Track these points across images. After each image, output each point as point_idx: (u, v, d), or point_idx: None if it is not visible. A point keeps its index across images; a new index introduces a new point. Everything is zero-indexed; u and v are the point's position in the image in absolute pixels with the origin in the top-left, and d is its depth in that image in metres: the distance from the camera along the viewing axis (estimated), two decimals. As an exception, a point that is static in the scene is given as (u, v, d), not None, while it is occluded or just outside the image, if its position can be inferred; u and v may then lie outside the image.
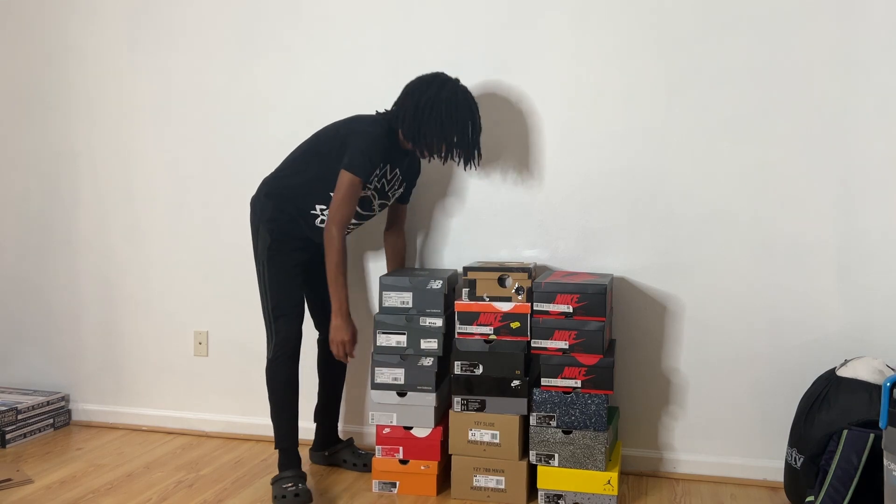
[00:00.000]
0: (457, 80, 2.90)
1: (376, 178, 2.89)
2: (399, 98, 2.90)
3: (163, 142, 3.56)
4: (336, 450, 3.23)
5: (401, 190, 3.05)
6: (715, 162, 3.03)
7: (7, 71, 3.74)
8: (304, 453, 3.23)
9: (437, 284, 2.94)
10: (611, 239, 3.14)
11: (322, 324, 3.11)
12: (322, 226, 2.90)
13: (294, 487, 2.82)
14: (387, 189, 2.96)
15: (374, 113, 2.98)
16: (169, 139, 3.56)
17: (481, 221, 3.26)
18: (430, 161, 3.03)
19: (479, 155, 2.93)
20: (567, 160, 3.16)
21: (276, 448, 2.93)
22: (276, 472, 3.00)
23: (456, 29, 3.23)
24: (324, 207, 2.88)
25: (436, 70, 3.25)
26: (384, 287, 2.97)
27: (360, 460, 3.19)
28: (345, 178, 2.77)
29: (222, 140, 3.49)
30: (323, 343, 3.13)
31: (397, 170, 2.96)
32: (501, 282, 2.89)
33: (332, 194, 2.82)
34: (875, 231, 2.93)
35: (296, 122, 3.39)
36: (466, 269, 2.92)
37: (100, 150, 3.66)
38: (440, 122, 2.81)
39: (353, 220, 2.93)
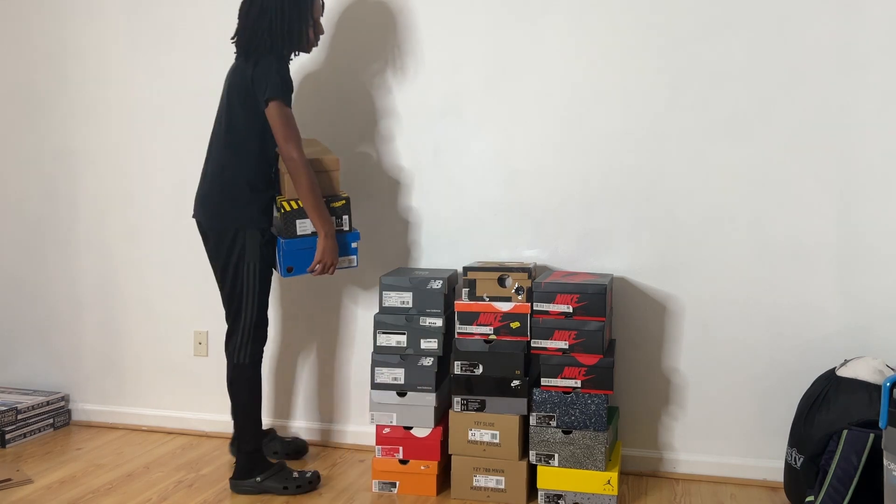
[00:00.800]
0: None
1: None
2: (251, 24, 2.81)
3: (162, 142, 3.56)
4: (267, 441, 3.24)
5: None
6: (715, 162, 3.03)
7: (7, 71, 3.74)
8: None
9: (437, 284, 2.94)
10: (611, 239, 3.14)
11: None
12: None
13: (300, 474, 2.90)
14: None
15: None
16: (168, 139, 3.56)
17: (481, 221, 3.26)
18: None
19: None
20: (567, 160, 3.16)
21: (246, 450, 2.92)
22: (255, 471, 2.91)
23: (456, 28, 3.23)
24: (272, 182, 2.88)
25: (436, 70, 3.26)
26: (384, 287, 2.97)
27: (291, 448, 3.25)
28: (274, 108, 2.73)
29: (222, 140, 3.49)
30: None
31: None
32: (501, 282, 2.89)
33: (269, 162, 2.85)
34: (875, 231, 2.92)
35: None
36: (466, 269, 2.92)
37: (100, 151, 3.65)
38: (296, 18, 2.81)
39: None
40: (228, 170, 2.87)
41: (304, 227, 2.86)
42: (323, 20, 3.05)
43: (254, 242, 2.85)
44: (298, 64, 3.34)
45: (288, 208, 2.84)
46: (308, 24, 2.88)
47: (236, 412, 2.97)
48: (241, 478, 2.92)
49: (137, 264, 3.64)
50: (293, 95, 2.86)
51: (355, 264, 2.96)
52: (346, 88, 3.35)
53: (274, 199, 2.91)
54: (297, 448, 3.25)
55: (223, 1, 3.44)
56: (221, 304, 2.97)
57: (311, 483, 2.92)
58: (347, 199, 2.93)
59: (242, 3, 2.88)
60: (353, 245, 2.94)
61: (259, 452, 2.95)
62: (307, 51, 2.96)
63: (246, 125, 2.83)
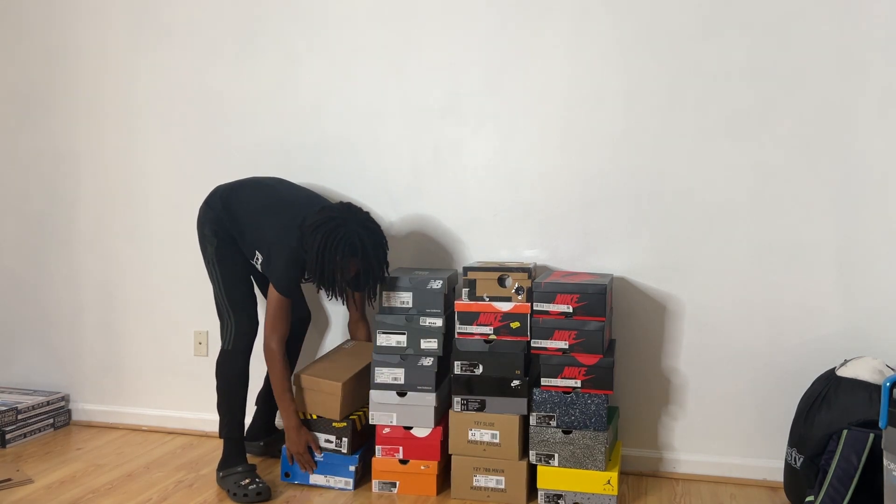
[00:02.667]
0: (355, 219, 2.84)
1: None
2: (311, 225, 2.84)
3: (163, 142, 3.56)
4: (273, 440, 3.28)
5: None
6: (715, 162, 3.03)
7: (7, 71, 3.74)
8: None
9: (437, 284, 2.94)
10: (611, 239, 3.14)
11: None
12: (257, 265, 2.97)
13: (254, 485, 2.87)
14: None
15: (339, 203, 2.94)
16: (169, 139, 3.55)
17: (481, 221, 3.26)
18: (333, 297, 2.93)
19: (377, 290, 2.95)
20: (567, 160, 3.16)
21: (221, 436, 3.00)
22: (223, 465, 2.98)
23: (456, 29, 3.23)
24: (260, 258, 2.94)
25: (436, 69, 3.26)
26: (384, 287, 2.97)
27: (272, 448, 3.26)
28: (273, 296, 2.89)
29: (222, 140, 3.49)
30: None
31: None
32: (501, 282, 2.89)
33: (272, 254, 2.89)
34: (875, 231, 2.93)
35: (296, 122, 3.39)
36: (466, 269, 2.92)
37: (100, 150, 3.65)
38: (325, 271, 2.81)
39: None
40: (241, 212, 3.02)
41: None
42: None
43: (210, 236, 3.00)
44: (297, 64, 3.34)
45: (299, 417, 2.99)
46: (332, 281, 2.83)
47: (217, 397, 3.03)
48: (219, 468, 2.99)
49: (137, 264, 3.64)
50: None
51: (351, 487, 2.98)
52: (347, 88, 3.35)
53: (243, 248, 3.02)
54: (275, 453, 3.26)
55: (223, 1, 3.45)
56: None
57: (259, 495, 2.84)
58: (349, 423, 2.95)
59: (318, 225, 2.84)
60: (351, 468, 2.97)
61: (231, 443, 2.98)
62: (330, 295, 2.90)
63: (281, 231, 2.94)
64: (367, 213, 2.90)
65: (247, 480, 2.89)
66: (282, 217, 2.92)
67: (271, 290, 2.89)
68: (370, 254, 2.83)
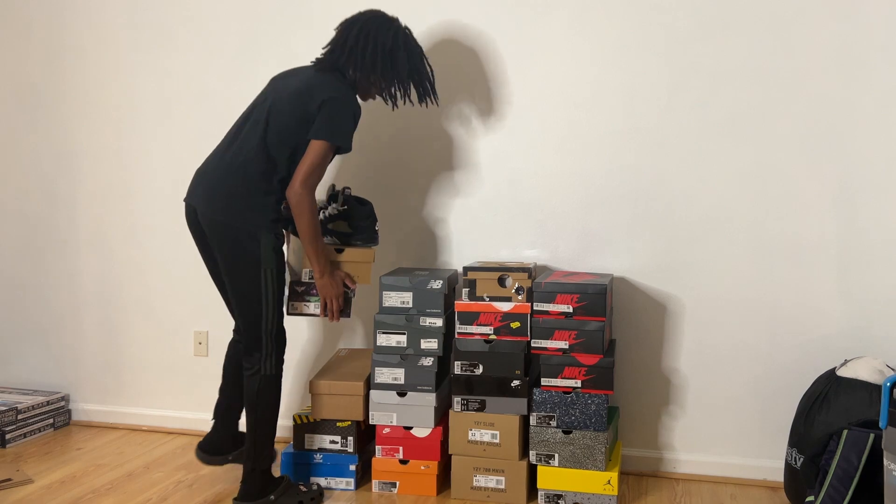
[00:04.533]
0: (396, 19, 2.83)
1: None
2: (353, 42, 2.74)
3: (163, 142, 3.56)
4: (240, 453, 2.98)
5: None
6: (715, 162, 3.03)
7: (7, 71, 3.74)
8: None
9: (437, 284, 2.94)
10: (611, 239, 3.14)
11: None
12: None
13: (306, 488, 2.80)
14: None
15: (313, 63, 2.83)
16: (169, 139, 3.56)
17: (481, 221, 3.26)
18: (392, 104, 2.88)
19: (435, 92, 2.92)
20: (567, 160, 3.16)
21: (255, 468, 2.72)
22: (255, 496, 2.72)
23: (456, 29, 3.23)
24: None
25: (436, 69, 3.25)
26: (384, 287, 2.97)
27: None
28: (322, 147, 2.64)
29: (222, 140, 3.49)
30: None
31: None
32: (501, 282, 2.89)
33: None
34: (875, 231, 2.93)
35: (296, 122, 3.39)
36: (466, 269, 2.92)
37: (100, 150, 3.65)
38: (412, 63, 2.78)
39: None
40: (253, 165, 2.66)
41: (310, 441, 2.98)
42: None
43: (269, 247, 2.67)
44: (297, 64, 3.34)
45: (298, 421, 2.99)
46: (405, 78, 2.77)
47: (256, 426, 2.72)
48: (252, 499, 2.71)
49: (137, 264, 3.64)
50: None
51: (352, 488, 2.98)
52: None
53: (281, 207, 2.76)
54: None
55: (224, 1, 3.45)
56: (224, 303, 2.91)
57: (321, 496, 2.84)
58: (353, 422, 2.95)
59: (346, 21, 2.82)
60: (351, 468, 2.98)
61: (266, 473, 2.75)
62: (373, 96, 2.84)
63: (287, 134, 2.67)
64: None
65: (304, 488, 2.79)
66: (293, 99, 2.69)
67: (317, 143, 2.62)
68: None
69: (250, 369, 2.72)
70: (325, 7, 3.35)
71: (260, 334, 2.69)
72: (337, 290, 2.80)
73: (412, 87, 2.86)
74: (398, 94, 2.84)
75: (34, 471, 3.14)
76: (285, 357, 2.80)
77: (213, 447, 3.00)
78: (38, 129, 3.73)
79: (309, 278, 2.87)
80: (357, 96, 2.78)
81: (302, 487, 2.83)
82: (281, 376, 2.77)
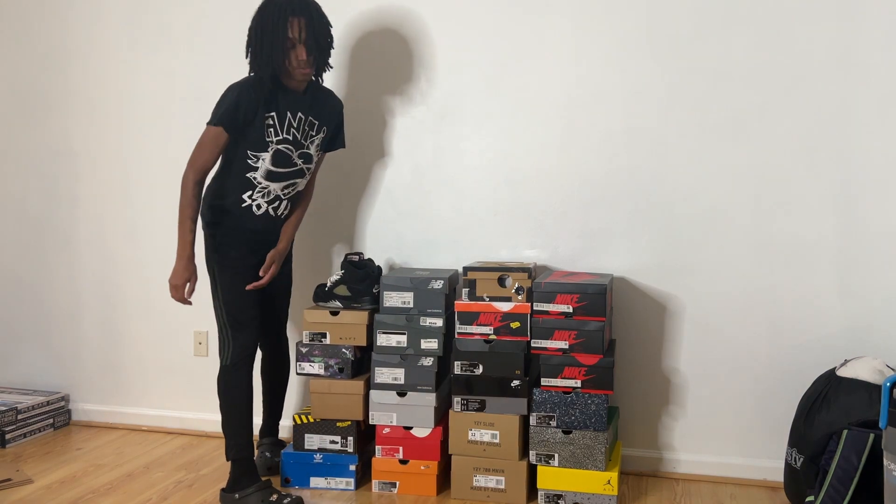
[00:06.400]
0: None
1: (275, 129, 2.78)
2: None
3: (163, 142, 3.56)
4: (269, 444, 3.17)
5: (320, 136, 2.91)
6: (715, 162, 3.03)
7: (7, 71, 3.74)
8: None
9: (438, 284, 2.94)
10: (611, 239, 3.14)
11: (266, 328, 3.04)
12: (259, 213, 2.83)
13: (288, 497, 2.76)
14: (300, 138, 2.83)
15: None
16: (169, 139, 3.55)
17: (481, 221, 3.26)
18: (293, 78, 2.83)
19: (325, 61, 2.88)
20: (567, 160, 3.16)
21: (229, 459, 2.80)
22: (234, 486, 2.78)
23: (456, 29, 3.23)
24: (251, 193, 2.81)
25: (437, 69, 3.26)
26: (384, 287, 2.97)
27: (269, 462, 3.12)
28: (207, 130, 2.77)
29: (222, 140, 3.49)
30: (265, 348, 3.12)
31: (301, 114, 2.83)
32: (501, 282, 2.89)
33: (247, 176, 2.79)
34: (875, 231, 2.93)
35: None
36: (466, 269, 2.92)
37: (100, 150, 3.65)
38: (264, 39, 2.75)
39: (283, 181, 2.83)
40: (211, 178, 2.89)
41: (311, 442, 3.00)
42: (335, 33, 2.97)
43: (209, 246, 2.85)
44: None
45: (298, 421, 3.01)
46: (277, 49, 2.74)
47: (222, 417, 2.84)
48: (228, 490, 2.80)
49: (137, 264, 3.64)
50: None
51: (353, 488, 2.99)
52: (347, 87, 3.35)
53: (242, 218, 2.85)
54: (269, 465, 3.10)
55: (224, 2, 3.45)
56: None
57: None
58: (353, 422, 2.97)
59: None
60: (351, 468, 2.99)
61: (241, 463, 2.80)
62: (293, 76, 2.80)
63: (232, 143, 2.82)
64: None
65: (275, 496, 2.75)
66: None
67: (206, 128, 2.78)
68: (311, 7, 2.77)
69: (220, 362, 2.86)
70: (323, 6, 3.34)
71: (219, 326, 2.85)
72: (177, 279, 2.80)
73: (287, 56, 2.77)
74: (270, 65, 2.77)
75: (34, 471, 3.14)
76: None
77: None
78: (38, 129, 3.73)
79: None
80: (259, 83, 2.78)
81: (274, 496, 2.76)
82: (239, 367, 2.80)
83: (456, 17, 3.23)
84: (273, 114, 2.78)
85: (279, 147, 2.80)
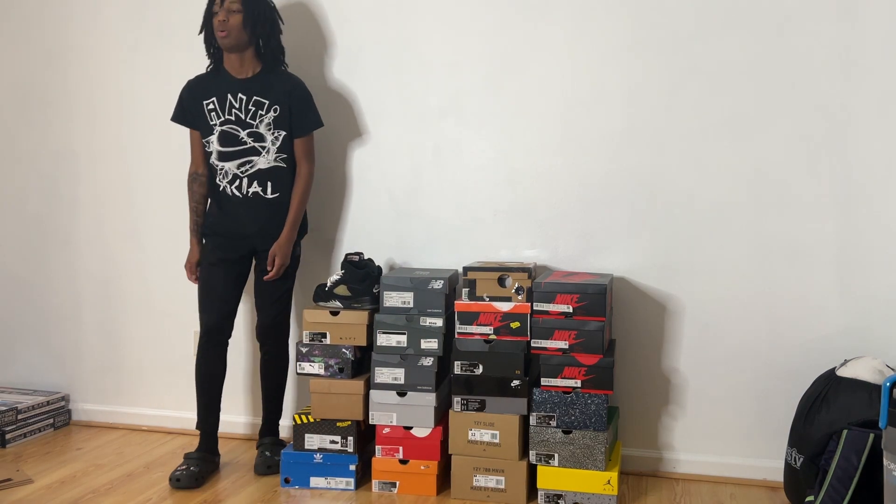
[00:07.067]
0: None
1: (217, 112, 3.05)
2: None
3: (162, 142, 3.56)
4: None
5: (270, 114, 3.04)
6: (715, 162, 3.03)
7: (7, 71, 3.74)
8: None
9: (438, 284, 2.94)
10: (611, 239, 3.14)
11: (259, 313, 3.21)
12: (229, 194, 3.06)
13: (180, 470, 2.98)
14: (245, 118, 3.03)
15: None
16: (168, 139, 3.55)
17: (481, 221, 3.26)
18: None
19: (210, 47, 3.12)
20: (567, 160, 3.16)
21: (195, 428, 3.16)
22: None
23: (456, 28, 3.23)
24: (217, 178, 3.07)
25: (437, 69, 3.26)
26: (385, 287, 2.97)
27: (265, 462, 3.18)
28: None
29: (222, 140, 3.49)
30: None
31: (243, 95, 3.03)
32: (501, 282, 2.89)
33: (210, 162, 3.08)
34: (875, 231, 2.93)
35: (296, 122, 3.39)
36: (466, 269, 2.92)
37: (99, 150, 3.65)
38: (206, 21, 3.07)
39: (236, 160, 3.05)
40: None
41: (311, 441, 3.01)
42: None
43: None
44: (296, 63, 3.34)
45: (298, 421, 3.02)
46: (209, 26, 3.06)
47: None
48: None
49: (137, 264, 3.64)
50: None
51: (353, 488, 3.00)
52: (346, 87, 3.35)
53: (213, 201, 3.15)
54: (270, 464, 3.12)
55: (223, 1, 3.44)
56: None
57: (178, 481, 2.96)
58: (353, 422, 2.98)
59: None
60: (351, 467, 2.99)
61: (200, 434, 3.13)
62: (221, 46, 3.04)
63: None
64: None
65: (182, 467, 3.00)
66: None
67: None
68: None
69: None
70: (323, 6, 3.35)
71: None
72: (186, 262, 3.15)
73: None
74: (211, 45, 3.12)
75: (34, 471, 3.14)
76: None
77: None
78: (38, 129, 3.73)
79: None
80: (198, 79, 3.15)
81: (184, 466, 2.99)
82: (203, 346, 3.10)
83: (456, 17, 3.23)
84: (213, 98, 3.05)
85: (223, 128, 3.04)
